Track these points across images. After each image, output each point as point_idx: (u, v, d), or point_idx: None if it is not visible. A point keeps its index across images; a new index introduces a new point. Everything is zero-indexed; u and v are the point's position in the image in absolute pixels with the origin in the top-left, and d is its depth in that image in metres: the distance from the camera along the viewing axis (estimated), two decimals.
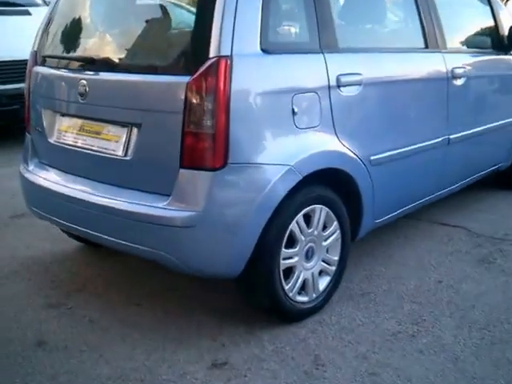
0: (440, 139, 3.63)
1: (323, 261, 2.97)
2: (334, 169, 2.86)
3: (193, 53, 2.56)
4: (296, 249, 2.79)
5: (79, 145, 2.92)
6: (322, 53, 2.80)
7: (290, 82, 2.66)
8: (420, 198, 3.69)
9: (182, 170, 2.52)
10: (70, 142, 2.97)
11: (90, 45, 3.04)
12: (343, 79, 2.86)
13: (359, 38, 3.27)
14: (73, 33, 3.14)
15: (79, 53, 3.06)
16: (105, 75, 2.80)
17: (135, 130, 2.69)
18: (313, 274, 2.92)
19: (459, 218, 4.27)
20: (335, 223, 2.96)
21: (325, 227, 2.93)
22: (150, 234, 2.60)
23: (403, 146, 3.32)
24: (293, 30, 2.78)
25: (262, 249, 2.63)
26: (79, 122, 2.94)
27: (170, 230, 2.55)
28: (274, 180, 2.57)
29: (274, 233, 2.65)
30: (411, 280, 3.35)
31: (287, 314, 2.86)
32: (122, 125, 2.74)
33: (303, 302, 2.90)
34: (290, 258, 2.78)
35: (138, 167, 2.71)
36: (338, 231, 2.99)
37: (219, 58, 2.44)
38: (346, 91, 2.89)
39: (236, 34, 2.48)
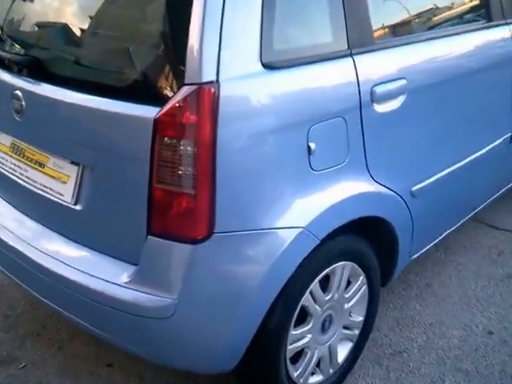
0: (501, 139, 2.82)
1: (344, 327, 2.28)
2: (364, 218, 2.10)
3: (163, 73, 1.75)
4: (309, 326, 2.08)
5: (19, 175, 2.17)
6: (351, 55, 1.97)
7: (306, 109, 1.84)
8: (467, 212, 2.93)
9: (150, 238, 1.77)
10: (10, 170, 2.22)
11: (32, 41, 2.20)
12: (380, 90, 2.03)
13: (400, 25, 2.36)
14: (14, 21, 2.30)
15: (16, 50, 2.23)
16: (46, 89, 1.97)
17: (88, 172, 1.94)
18: (330, 348, 2.23)
19: (509, 220, 3.52)
20: (362, 277, 2.24)
21: (348, 284, 2.21)
22: (109, 319, 1.91)
23: (456, 162, 2.53)
24: (309, 27, 1.92)
25: (264, 337, 1.92)
26: (18, 143, 2.17)
27: (134, 320, 1.85)
28: (280, 251, 1.81)
29: (280, 316, 1.93)
30: (454, 328, 2.65)
31: None
32: (71, 161, 1.98)
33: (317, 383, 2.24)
34: (301, 339, 2.08)
35: (93, 222, 1.97)
36: (365, 286, 2.28)
37: (200, 86, 1.64)
38: (384, 107, 2.07)
39: (224, 45, 1.66)
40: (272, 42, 1.76)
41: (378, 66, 2.07)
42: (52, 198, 2.04)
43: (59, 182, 2.01)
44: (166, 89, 1.71)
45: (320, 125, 1.86)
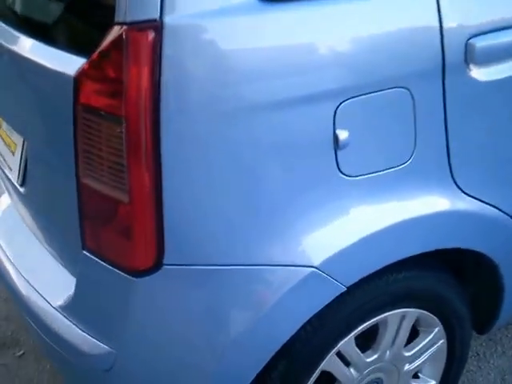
0: None
1: None
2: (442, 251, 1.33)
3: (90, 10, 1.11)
4: None
5: None
6: None
7: (332, 72, 1.09)
8: None
9: (85, 254, 1.18)
10: None
11: None
12: (482, 45, 1.20)
13: None
14: None
15: None
16: None
17: (26, 146, 1.38)
18: None
19: None
20: (437, 329, 1.48)
21: (414, 335, 1.48)
22: (48, 349, 1.37)
23: None
24: None
25: None
26: None
27: (69, 360, 1.29)
28: (273, 301, 1.13)
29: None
30: None
31: None
32: (17, 129, 1.43)
33: None
34: None
35: (37, 213, 1.42)
36: (443, 341, 1.52)
37: (131, 26, 0.97)
38: (489, 72, 1.24)
39: None
40: None
41: (479, 3, 1.24)
42: (5, 170, 1.52)
43: (9, 151, 1.48)
44: (95, 30, 1.06)
45: (359, 100, 1.11)
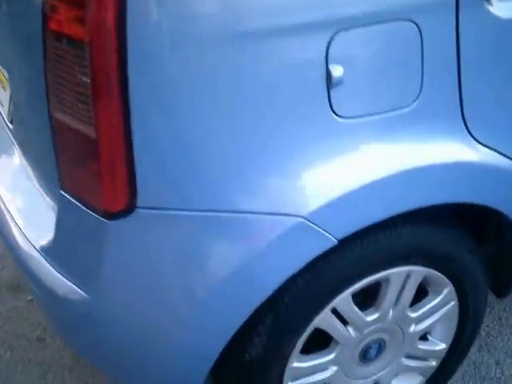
0: None
1: (409, 357, 1.47)
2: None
3: None
4: (330, 356, 1.31)
5: None
6: None
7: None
8: None
9: (62, 194, 1.12)
10: None
11: None
12: None
13: None
14: None
15: None
16: None
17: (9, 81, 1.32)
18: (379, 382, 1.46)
19: None
20: (448, 290, 1.37)
21: (422, 294, 1.37)
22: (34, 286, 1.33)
23: None
24: None
25: (237, 370, 1.22)
26: None
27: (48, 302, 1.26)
28: (257, 251, 1.05)
29: (267, 340, 1.19)
30: None
31: None
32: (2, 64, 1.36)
33: None
34: (316, 372, 1.33)
35: (23, 150, 1.37)
36: (454, 302, 1.41)
37: None
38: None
39: None
40: None
41: None
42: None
43: (1, 87, 1.42)
44: None
45: (356, 32, 0.99)
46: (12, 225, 1.33)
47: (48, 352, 1.84)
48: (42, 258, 1.22)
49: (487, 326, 1.80)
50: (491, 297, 1.57)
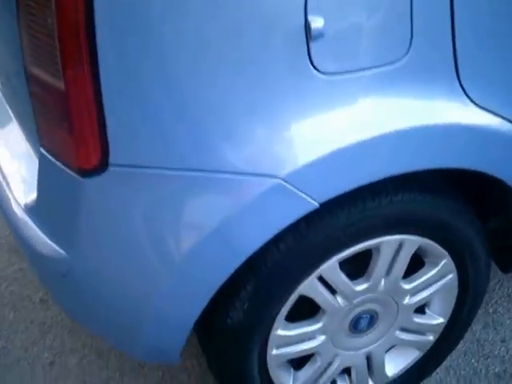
0: None
1: (405, 329, 1.42)
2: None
3: None
4: (318, 324, 1.28)
5: None
6: None
7: None
8: None
9: (42, 151, 1.10)
10: None
11: None
12: None
13: None
14: None
15: None
16: None
17: None
18: (370, 356, 1.41)
19: None
20: (445, 261, 1.32)
21: (418, 265, 1.32)
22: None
23: None
24: None
25: (215, 335, 1.20)
26: None
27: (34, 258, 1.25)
28: (230, 213, 1.01)
29: (248, 306, 1.16)
30: None
31: None
32: None
33: None
34: (303, 341, 1.29)
35: (14, 112, 1.36)
36: (452, 275, 1.35)
37: None
38: None
39: None
40: None
41: None
42: None
43: None
44: None
45: None
46: (4, 184, 1.33)
47: (50, 313, 1.85)
48: (27, 218, 1.22)
49: (495, 303, 1.74)
50: (501, 273, 1.51)
